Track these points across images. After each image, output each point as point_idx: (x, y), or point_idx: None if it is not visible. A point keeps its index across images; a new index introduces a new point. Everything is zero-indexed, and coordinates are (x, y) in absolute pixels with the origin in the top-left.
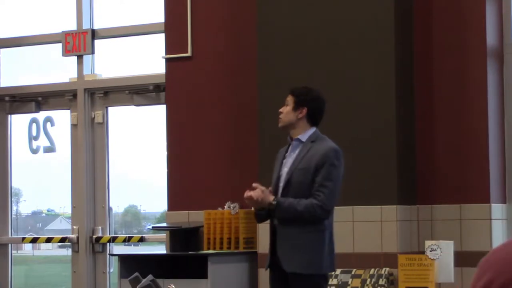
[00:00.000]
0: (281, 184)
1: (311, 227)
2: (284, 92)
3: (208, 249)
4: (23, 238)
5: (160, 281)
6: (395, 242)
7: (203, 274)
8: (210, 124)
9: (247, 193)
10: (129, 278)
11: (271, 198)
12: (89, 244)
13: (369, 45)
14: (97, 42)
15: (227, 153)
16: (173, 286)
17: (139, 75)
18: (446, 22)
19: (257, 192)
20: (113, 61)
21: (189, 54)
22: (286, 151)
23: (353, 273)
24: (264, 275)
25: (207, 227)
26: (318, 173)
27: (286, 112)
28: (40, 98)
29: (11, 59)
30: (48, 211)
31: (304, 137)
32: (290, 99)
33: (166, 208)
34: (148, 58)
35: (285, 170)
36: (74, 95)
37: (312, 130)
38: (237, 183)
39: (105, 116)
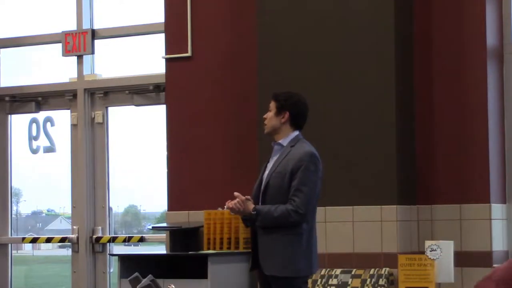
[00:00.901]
0: (262, 188)
1: (288, 230)
2: None
3: (208, 249)
4: (23, 238)
5: (160, 281)
6: (395, 242)
7: (203, 274)
8: (210, 124)
9: (228, 204)
10: (129, 278)
11: (251, 207)
12: (89, 244)
13: (369, 45)
14: (97, 42)
15: (227, 153)
16: (173, 286)
17: (139, 75)
18: (446, 22)
19: (237, 203)
20: (113, 61)
21: (189, 54)
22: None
23: (353, 273)
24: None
25: (207, 227)
26: (294, 177)
27: (270, 117)
28: (40, 98)
29: (11, 59)
30: (48, 211)
31: (285, 141)
32: (272, 105)
33: (166, 208)
34: (148, 58)
35: (266, 173)
36: (74, 95)
37: (295, 134)
38: (237, 183)
39: (105, 116)
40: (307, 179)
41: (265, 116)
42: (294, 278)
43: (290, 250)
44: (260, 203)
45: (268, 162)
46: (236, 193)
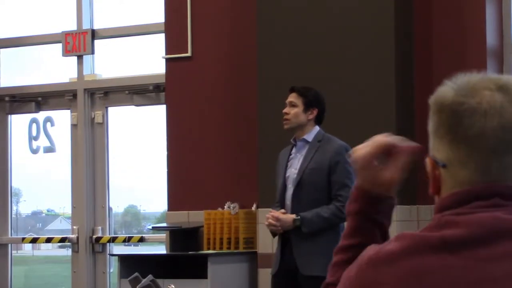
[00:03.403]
0: (290, 186)
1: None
2: (284, 92)
3: (208, 249)
4: (23, 238)
5: (160, 281)
6: None
7: (203, 274)
8: (210, 124)
9: (272, 220)
10: (129, 278)
11: (290, 218)
12: (89, 244)
13: (369, 45)
14: (97, 42)
15: (227, 153)
16: (173, 286)
17: (139, 75)
18: (446, 22)
19: (270, 220)
20: (113, 61)
21: (189, 54)
22: (290, 153)
23: None
24: (264, 275)
25: (207, 227)
26: (334, 172)
27: (295, 113)
28: (40, 98)
29: (11, 59)
30: (48, 211)
31: (310, 137)
32: (297, 100)
33: (166, 208)
34: (148, 58)
35: (292, 171)
36: (74, 95)
37: (317, 129)
38: (237, 183)
39: (105, 116)
40: (349, 173)
41: (286, 111)
42: None
43: (331, 248)
44: (291, 202)
45: (288, 159)
46: (270, 213)
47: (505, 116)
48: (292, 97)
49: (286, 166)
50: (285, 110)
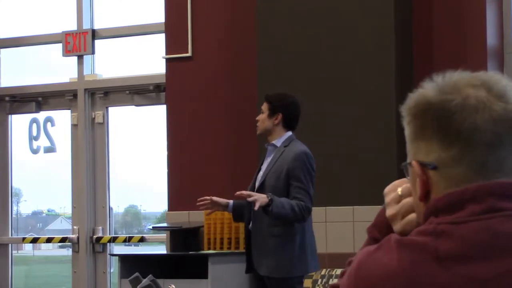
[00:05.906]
0: (256, 189)
1: (282, 231)
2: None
3: (209, 249)
4: (24, 238)
5: (160, 281)
6: None
7: (203, 274)
8: (210, 124)
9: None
10: (129, 278)
11: (263, 194)
12: (90, 244)
13: (369, 45)
14: (97, 42)
15: (227, 153)
16: (174, 286)
17: (139, 75)
18: (446, 22)
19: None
20: (113, 61)
21: (189, 54)
22: (265, 157)
23: None
24: None
25: (208, 227)
26: (292, 176)
27: (262, 119)
28: (40, 98)
29: (11, 59)
30: (48, 211)
31: (278, 142)
32: (265, 107)
33: (167, 208)
34: (148, 58)
35: (260, 174)
36: (75, 95)
37: (288, 134)
38: (237, 183)
39: (105, 116)
40: (306, 177)
41: (258, 118)
42: (288, 278)
43: (282, 251)
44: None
45: (262, 163)
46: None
47: (495, 109)
48: (263, 105)
49: (259, 169)
50: (257, 118)
